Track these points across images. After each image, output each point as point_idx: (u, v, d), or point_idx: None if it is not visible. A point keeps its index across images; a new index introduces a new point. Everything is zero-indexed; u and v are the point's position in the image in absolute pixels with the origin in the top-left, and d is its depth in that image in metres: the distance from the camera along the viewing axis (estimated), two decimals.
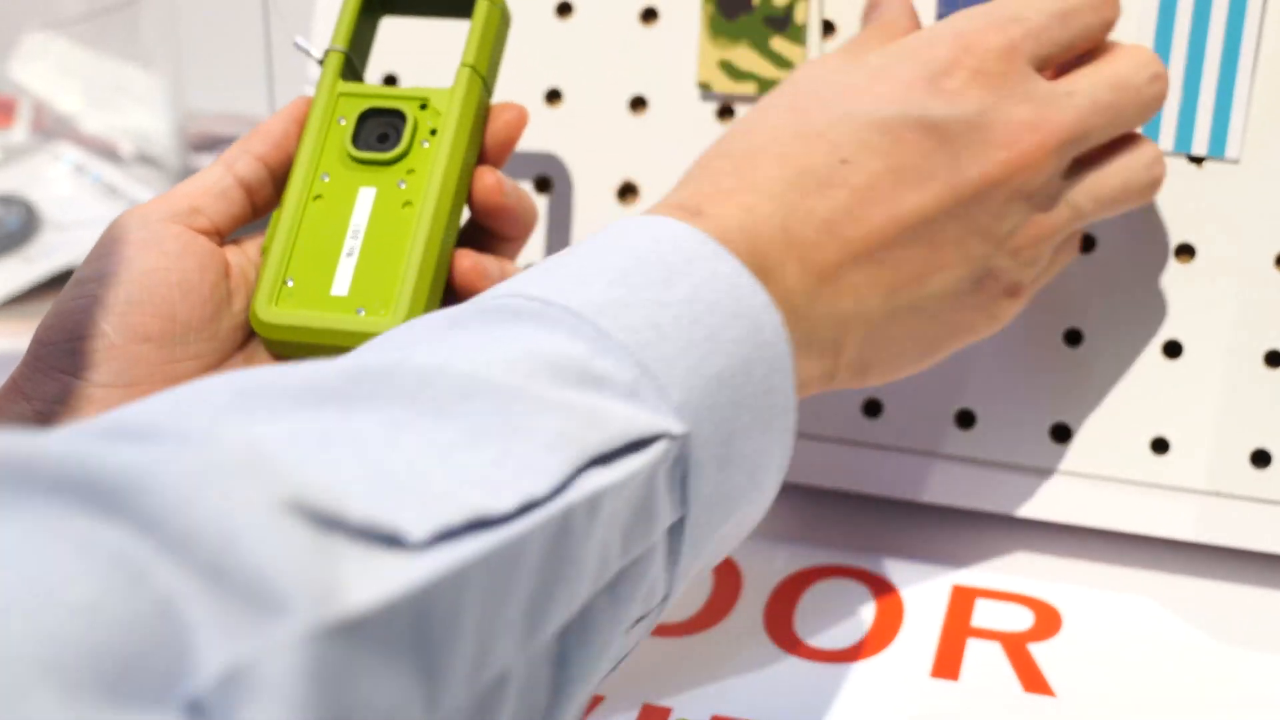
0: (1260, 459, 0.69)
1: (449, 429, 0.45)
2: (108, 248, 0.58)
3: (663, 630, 0.69)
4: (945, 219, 0.58)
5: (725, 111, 0.73)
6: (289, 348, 0.61)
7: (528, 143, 0.75)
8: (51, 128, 1.05)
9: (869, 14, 0.67)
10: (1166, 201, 0.69)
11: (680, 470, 0.51)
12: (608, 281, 0.52)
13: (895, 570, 0.72)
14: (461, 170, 0.62)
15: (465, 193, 0.62)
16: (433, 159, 0.61)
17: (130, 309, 0.57)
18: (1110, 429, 0.70)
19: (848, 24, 0.72)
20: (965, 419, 0.72)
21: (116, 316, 0.57)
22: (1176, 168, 0.69)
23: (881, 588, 0.71)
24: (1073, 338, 0.70)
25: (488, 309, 0.51)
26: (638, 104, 0.74)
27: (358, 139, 0.62)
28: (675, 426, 0.50)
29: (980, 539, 0.73)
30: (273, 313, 0.60)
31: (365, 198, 0.61)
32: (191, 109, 1.05)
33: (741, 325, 0.53)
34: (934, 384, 0.71)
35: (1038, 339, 0.70)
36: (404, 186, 0.61)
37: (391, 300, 0.59)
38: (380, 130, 0.62)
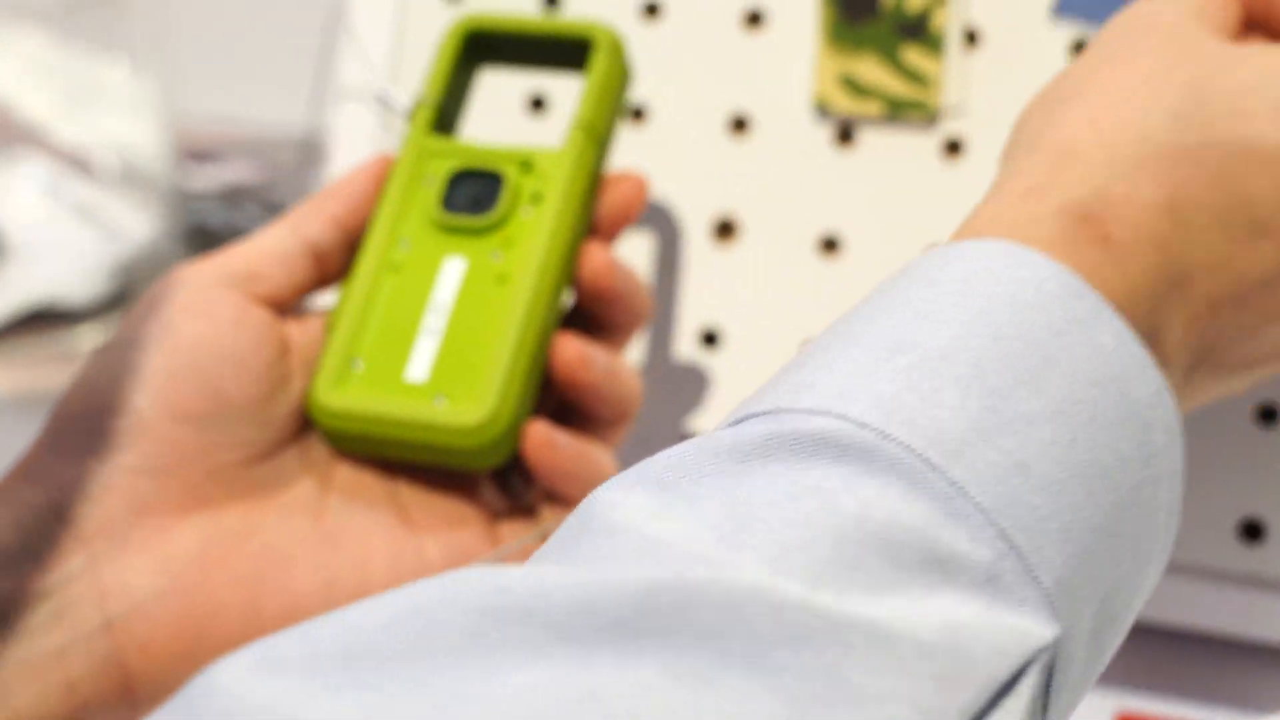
0: None
1: (763, 698, 0.37)
2: (147, 310, 0.55)
3: None
4: None
5: (845, 135, 0.70)
6: (351, 440, 0.57)
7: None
8: (16, 136, 1.02)
9: None
10: None
11: (1045, 679, 0.42)
12: (962, 389, 0.42)
13: None
14: (568, 245, 0.58)
15: (570, 271, 0.59)
16: (535, 230, 0.58)
17: (170, 382, 0.53)
18: None
19: (993, 32, 0.68)
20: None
21: (152, 390, 0.53)
22: None
23: None
24: None
25: (798, 437, 0.41)
26: (738, 124, 0.72)
27: (448, 201, 0.58)
28: (1047, 630, 0.41)
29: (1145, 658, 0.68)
30: (335, 397, 0.56)
31: (452, 269, 0.58)
32: (183, 113, 1.03)
33: (1129, 434, 0.44)
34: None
35: None
36: (499, 259, 0.58)
37: (478, 390, 0.56)
38: (474, 193, 0.59)
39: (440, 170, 0.59)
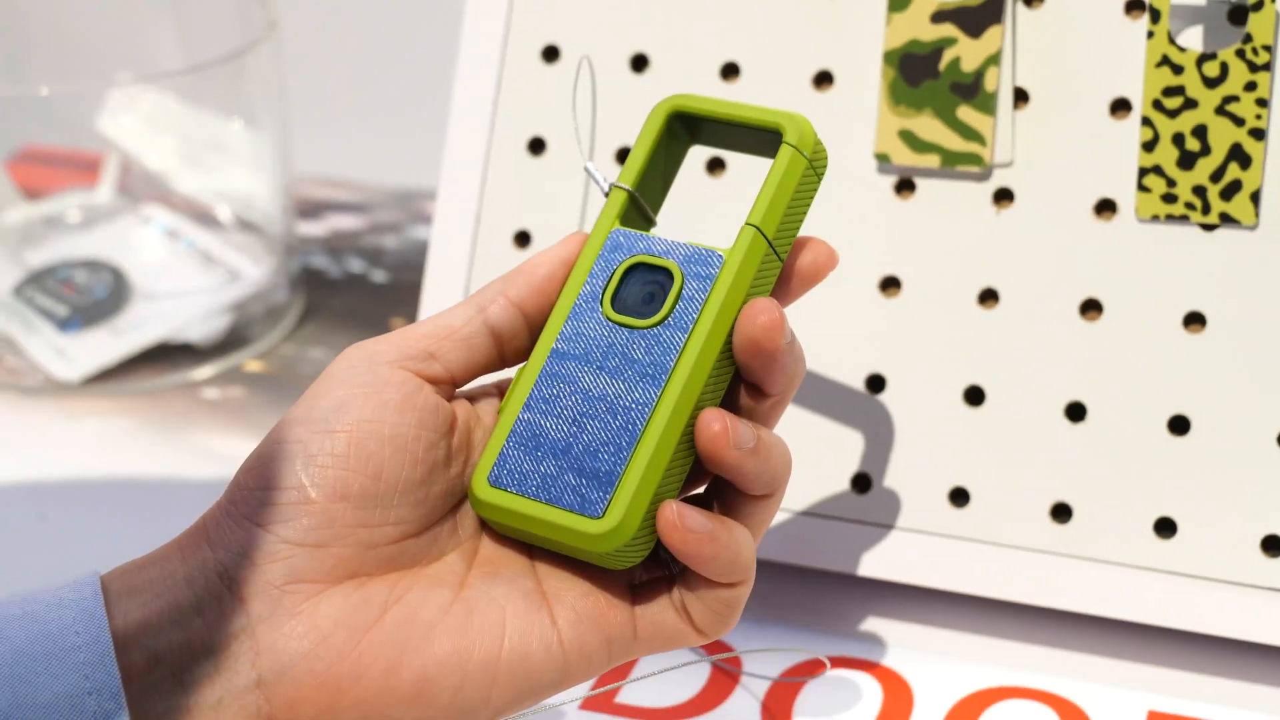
0: None
1: None
2: (325, 386, 0.56)
3: None
4: None
5: (904, 185, 0.71)
6: (506, 529, 0.57)
7: (679, 215, 0.72)
8: (139, 188, 1.04)
9: None
10: None
11: None
12: None
13: (1085, 693, 0.69)
14: (723, 344, 0.56)
15: (726, 374, 0.56)
16: (692, 331, 0.55)
17: (334, 462, 0.54)
18: None
19: (1041, 91, 0.70)
20: (1165, 526, 0.69)
21: (318, 469, 0.54)
22: None
23: (1069, 711, 0.68)
24: None
25: None
26: None
27: (617, 298, 0.57)
28: None
29: (1180, 660, 0.70)
30: (489, 491, 0.56)
31: None
32: (294, 173, 1.04)
33: None
34: (1135, 494, 0.68)
35: (1245, 444, 0.67)
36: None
37: (614, 496, 0.55)
38: (647, 289, 0.57)
39: (616, 263, 0.57)
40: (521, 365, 0.57)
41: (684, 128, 0.60)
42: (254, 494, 0.54)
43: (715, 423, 0.54)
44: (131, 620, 0.52)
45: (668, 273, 0.56)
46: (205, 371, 0.94)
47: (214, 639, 0.53)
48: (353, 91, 1.20)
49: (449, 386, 0.57)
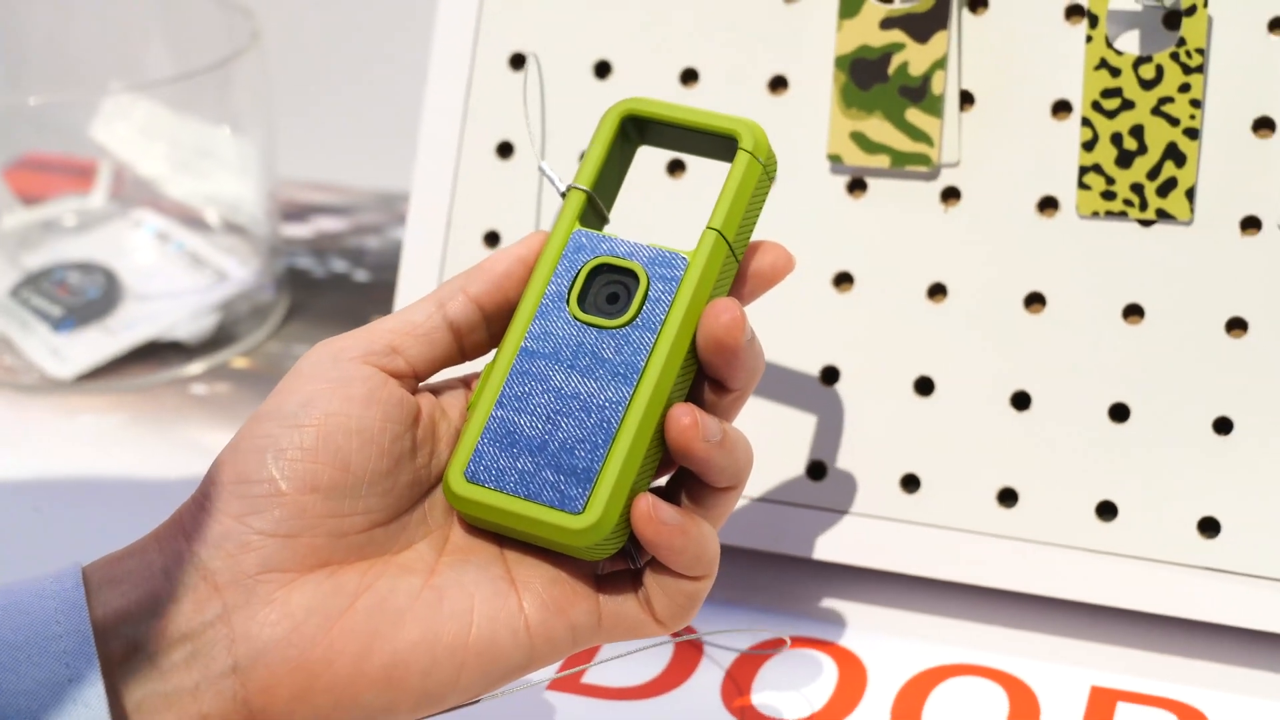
0: None
1: None
2: (293, 383, 0.57)
3: None
4: None
5: (856, 185, 0.72)
6: (480, 521, 0.57)
7: (640, 215, 0.73)
8: (131, 193, 1.04)
9: None
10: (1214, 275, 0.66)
11: None
12: None
13: (1031, 670, 0.70)
14: (690, 341, 0.57)
15: (691, 372, 0.58)
16: (661, 331, 0.57)
17: (303, 456, 0.55)
18: (1263, 524, 0.68)
19: (986, 94, 0.71)
20: (1107, 510, 0.70)
21: (288, 462, 0.55)
22: None
23: (1016, 688, 0.69)
24: (1221, 426, 0.69)
25: None
26: None
27: (584, 298, 0.58)
28: None
29: (1122, 638, 0.71)
30: (466, 486, 0.57)
31: None
32: (279, 177, 1.05)
33: None
34: (1077, 479, 0.70)
35: (1182, 430, 0.69)
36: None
37: (591, 491, 0.56)
38: (611, 290, 0.58)
39: (581, 263, 0.58)
40: (489, 362, 0.58)
41: (636, 130, 0.61)
42: (227, 488, 0.55)
43: (685, 417, 0.56)
44: (111, 610, 0.53)
45: (632, 274, 0.57)
46: (194, 368, 0.95)
47: (190, 627, 0.53)
48: (336, 99, 1.21)
49: (413, 380, 0.58)
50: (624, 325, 0.57)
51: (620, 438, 0.56)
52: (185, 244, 1.01)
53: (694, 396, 0.59)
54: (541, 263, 0.58)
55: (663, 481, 0.60)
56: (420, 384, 0.59)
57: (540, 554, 0.57)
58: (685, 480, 0.58)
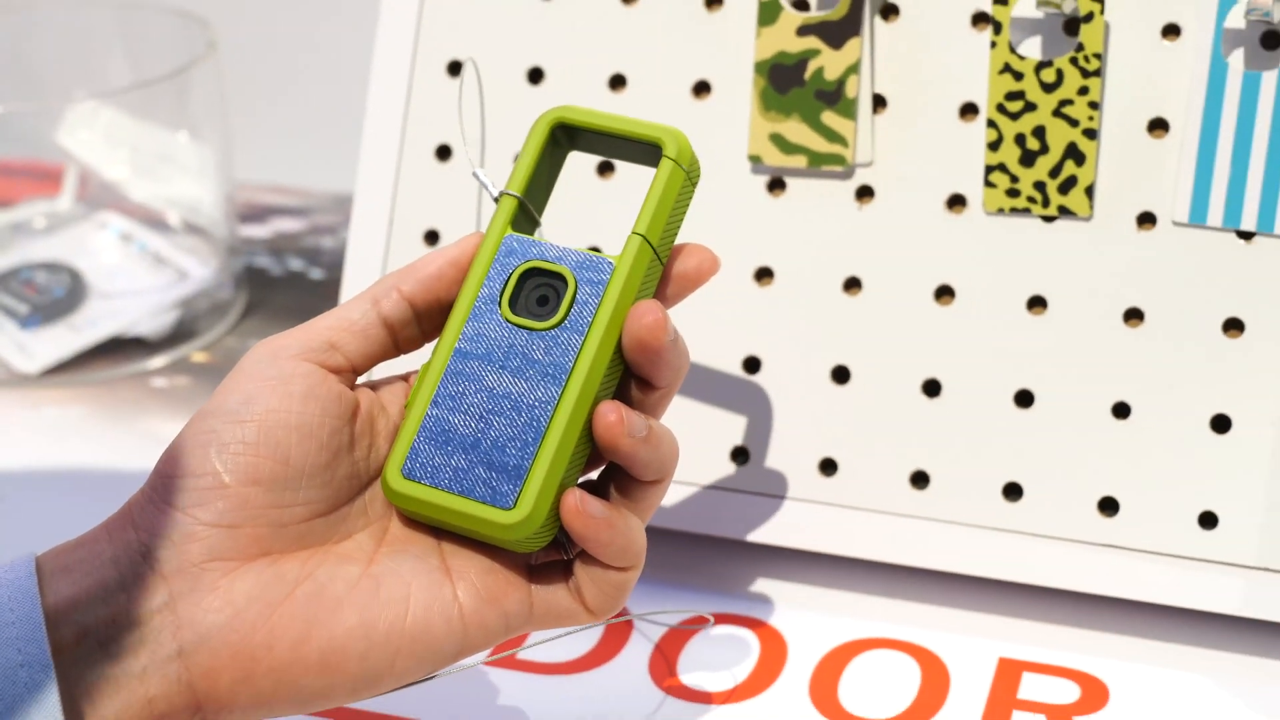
0: None
1: None
2: (235, 381, 0.58)
3: (700, 697, 0.68)
4: None
5: (775, 184, 0.74)
6: (418, 516, 0.58)
7: (570, 215, 0.75)
8: (97, 196, 1.05)
9: None
10: (1217, 276, 0.69)
11: None
12: None
13: (942, 642, 0.72)
14: (616, 341, 0.58)
15: (618, 371, 0.59)
16: (588, 333, 0.58)
17: (245, 450, 0.56)
18: (1158, 503, 0.70)
19: (898, 98, 0.72)
20: (1013, 490, 0.72)
21: (230, 456, 0.56)
22: (1227, 242, 0.69)
23: (927, 659, 0.71)
24: (1120, 411, 0.71)
25: None
26: None
27: (515, 301, 0.59)
28: None
29: (1027, 611, 0.73)
30: (402, 482, 0.58)
31: None
32: (238, 179, 1.05)
33: None
34: (984, 459, 0.71)
35: (1083, 414, 0.71)
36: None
37: (522, 487, 0.57)
38: (541, 292, 0.59)
39: (512, 267, 0.59)
40: (425, 362, 0.59)
41: (566, 137, 0.62)
42: (173, 480, 0.56)
43: (611, 414, 0.57)
44: (62, 597, 0.54)
45: (561, 277, 0.58)
46: (155, 363, 0.96)
47: (138, 613, 0.54)
48: (291, 105, 1.21)
49: (351, 375, 0.59)
50: (553, 327, 0.58)
51: (549, 436, 0.56)
52: (148, 244, 1.02)
53: (622, 394, 0.59)
54: (475, 266, 0.59)
55: (594, 476, 0.61)
56: (359, 380, 0.60)
57: (475, 545, 0.58)
58: (614, 475, 0.59)
